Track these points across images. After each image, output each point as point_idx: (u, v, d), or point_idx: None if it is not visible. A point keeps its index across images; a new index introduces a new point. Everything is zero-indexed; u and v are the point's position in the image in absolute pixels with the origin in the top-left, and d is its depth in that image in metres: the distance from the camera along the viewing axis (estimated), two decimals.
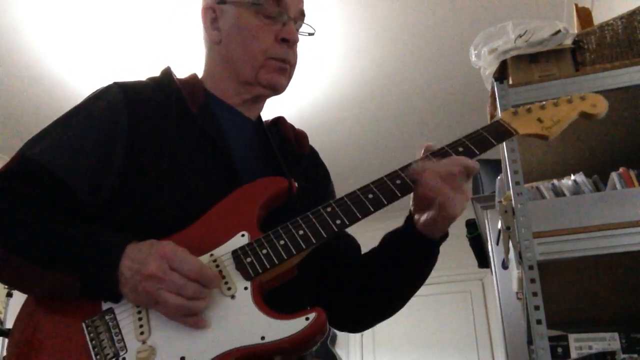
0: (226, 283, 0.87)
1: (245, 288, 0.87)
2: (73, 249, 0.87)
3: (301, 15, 1.15)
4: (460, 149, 1.00)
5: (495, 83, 1.77)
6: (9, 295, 3.08)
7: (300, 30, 1.17)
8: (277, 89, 1.12)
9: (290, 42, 1.10)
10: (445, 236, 1.05)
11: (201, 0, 1.18)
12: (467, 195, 0.97)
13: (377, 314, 1.14)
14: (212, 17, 1.13)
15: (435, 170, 0.95)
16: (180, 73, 1.15)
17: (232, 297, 0.86)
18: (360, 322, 1.16)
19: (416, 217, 1.02)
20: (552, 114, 1.07)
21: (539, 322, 1.45)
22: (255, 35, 1.09)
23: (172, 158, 0.99)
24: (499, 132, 1.04)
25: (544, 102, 1.09)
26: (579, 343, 1.77)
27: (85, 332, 0.84)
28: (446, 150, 1.00)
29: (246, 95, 1.13)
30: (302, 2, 1.16)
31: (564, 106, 1.08)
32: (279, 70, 1.10)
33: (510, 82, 1.80)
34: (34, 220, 0.89)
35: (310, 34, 1.18)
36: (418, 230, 1.01)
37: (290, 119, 1.25)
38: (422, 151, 1.01)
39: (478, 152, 1.01)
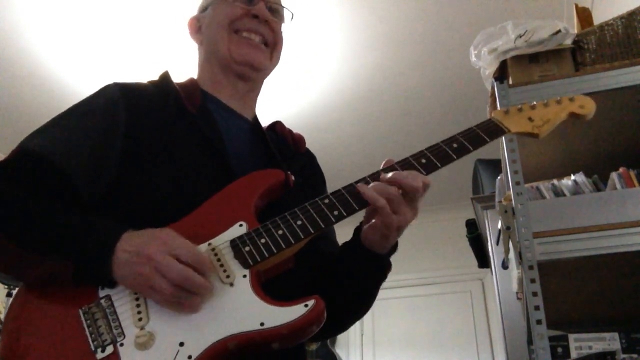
0: (225, 271, 0.88)
1: (244, 276, 0.88)
2: (68, 234, 0.88)
3: (273, 11, 1.19)
4: (455, 145, 1.03)
5: (495, 83, 1.77)
6: (9, 295, 3.08)
7: (284, 16, 1.22)
8: (252, 64, 1.15)
9: (260, 18, 1.14)
10: (394, 248, 1.05)
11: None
12: (414, 213, 0.97)
13: (332, 323, 1.14)
14: (197, 26, 1.23)
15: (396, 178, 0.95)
16: (181, 75, 1.19)
17: (231, 284, 0.87)
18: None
19: (365, 227, 1.02)
20: (542, 114, 1.11)
21: (539, 322, 1.45)
22: (225, 14, 1.15)
23: (168, 153, 1.02)
24: (491, 129, 1.07)
25: (534, 103, 1.13)
26: (579, 343, 1.77)
27: (82, 318, 0.84)
28: (440, 145, 1.02)
29: (230, 77, 1.16)
30: (278, 1, 1.22)
31: (554, 106, 1.12)
32: (248, 44, 1.14)
33: (510, 82, 1.80)
34: (28, 207, 0.91)
35: (291, 19, 1.23)
36: (361, 242, 1.02)
37: (289, 119, 1.27)
38: (382, 165, 1.02)
39: (472, 148, 1.03)
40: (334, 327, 1.15)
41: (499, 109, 1.70)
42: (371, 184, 0.96)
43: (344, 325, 1.16)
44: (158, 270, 0.82)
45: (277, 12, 1.20)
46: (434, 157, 1.01)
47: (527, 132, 1.08)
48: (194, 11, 1.26)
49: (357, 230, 1.06)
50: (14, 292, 3.00)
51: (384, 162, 1.02)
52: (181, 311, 0.84)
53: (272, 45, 1.17)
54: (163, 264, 0.82)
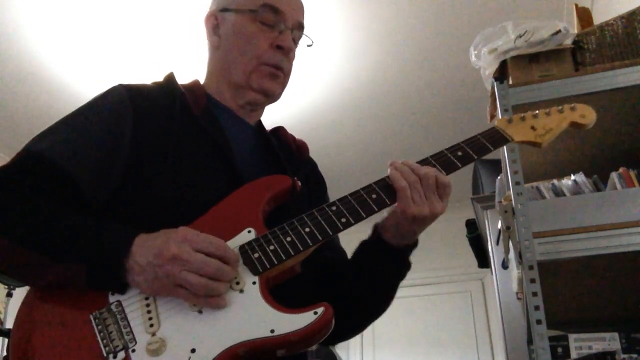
0: (235, 278, 0.88)
1: (254, 283, 0.89)
2: (80, 238, 0.87)
3: (299, 27, 1.17)
4: (459, 153, 1.03)
5: (495, 83, 1.77)
6: (9, 295, 3.08)
7: (300, 41, 1.20)
8: (269, 95, 1.15)
9: (284, 50, 1.13)
10: (414, 245, 1.06)
11: (207, 8, 1.22)
12: (440, 207, 0.99)
13: (354, 323, 1.14)
14: (213, 24, 1.18)
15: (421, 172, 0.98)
16: (184, 77, 1.18)
17: (241, 291, 0.88)
18: (341, 332, 1.14)
19: (385, 220, 1.04)
20: (544, 123, 1.12)
21: (539, 322, 1.45)
22: (251, 40, 1.12)
23: (176, 156, 1.01)
24: (495, 138, 1.08)
25: (537, 112, 1.14)
26: (579, 343, 1.77)
27: (93, 323, 0.84)
28: (445, 153, 1.03)
29: (240, 100, 1.15)
30: (302, 14, 1.19)
31: (556, 115, 1.14)
32: (270, 75, 1.13)
33: (510, 82, 1.80)
34: (38, 211, 0.90)
35: (308, 45, 1.21)
36: (382, 236, 1.04)
37: (290, 119, 1.27)
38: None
39: (476, 157, 1.04)
40: (352, 329, 1.15)
41: (499, 109, 1.72)
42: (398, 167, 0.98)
43: (362, 326, 1.16)
44: (187, 267, 0.82)
45: (298, 34, 1.18)
46: (438, 165, 1.02)
47: (530, 141, 1.10)
48: (193, 11, 1.25)
49: (376, 227, 1.06)
50: (14, 292, 2.97)
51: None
52: (213, 305, 0.84)
53: (286, 74, 1.16)
54: (193, 261, 0.82)
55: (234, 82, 1.14)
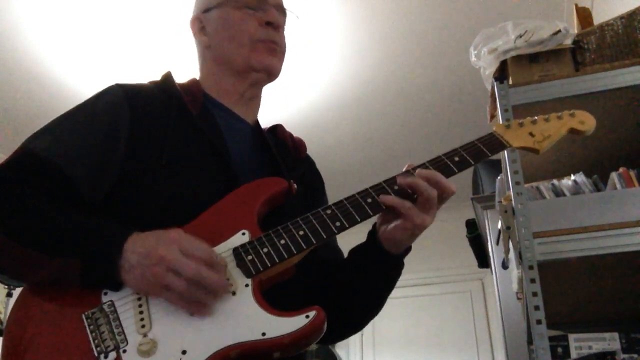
0: (227, 279, 0.88)
1: (246, 285, 0.88)
2: (76, 234, 0.88)
3: (281, 10, 1.19)
4: (457, 159, 1.03)
5: (495, 83, 1.77)
6: (9, 295, 3.08)
7: (288, 15, 1.21)
8: (271, 71, 1.16)
9: (274, 25, 1.15)
10: (407, 250, 1.06)
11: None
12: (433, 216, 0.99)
13: (346, 325, 1.14)
14: (200, 27, 1.20)
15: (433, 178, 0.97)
16: (181, 76, 1.18)
17: (233, 293, 0.87)
18: (337, 333, 1.14)
19: (382, 228, 1.02)
20: (543, 129, 1.11)
21: (539, 322, 1.45)
22: (240, 24, 1.14)
23: (171, 156, 1.01)
24: (493, 144, 1.07)
25: (535, 118, 1.13)
26: (579, 343, 1.77)
27: (85, 323, 0.84)
28: (442, 158, 1.02)
29: (243, 86, 1.16)
30: None
31: (555, 122, 1.13)
32: (269, 51, 1.14)
33: (510, 82, 1.80)
34: (35, 207, 0.90)
35: (297, 17, 1.23)
36: (381, 245, 1.02)
37: (289, 119, 1.27)
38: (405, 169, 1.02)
39: (473, 162, 1.04)
40: (348, 329, 1.15)
41: (499, 109, 1.72)
42: (408, 180, 0.96)
43: (359, 327, 1.16)
44: (171, 269, 0.82)
45: (283, 13, 1.20)
46: (436, 170, 1.01)
47: (528, 147, 1.09)
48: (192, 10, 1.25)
49: (373, 233, 1.05)
50: (14, 292, 2.98)
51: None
52: (195, 311, 0.84)
53: (282, 50, 1.18)
54: (176, 263, 0.82)
55: (235, 70, 1.15)
